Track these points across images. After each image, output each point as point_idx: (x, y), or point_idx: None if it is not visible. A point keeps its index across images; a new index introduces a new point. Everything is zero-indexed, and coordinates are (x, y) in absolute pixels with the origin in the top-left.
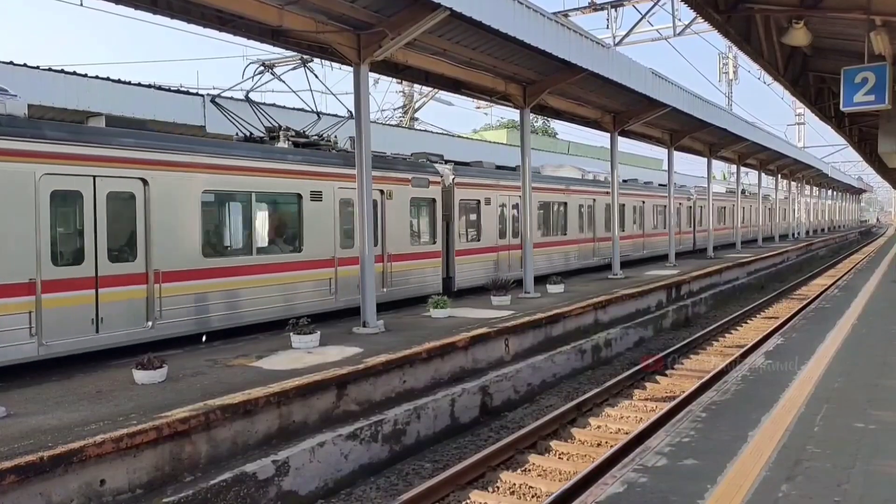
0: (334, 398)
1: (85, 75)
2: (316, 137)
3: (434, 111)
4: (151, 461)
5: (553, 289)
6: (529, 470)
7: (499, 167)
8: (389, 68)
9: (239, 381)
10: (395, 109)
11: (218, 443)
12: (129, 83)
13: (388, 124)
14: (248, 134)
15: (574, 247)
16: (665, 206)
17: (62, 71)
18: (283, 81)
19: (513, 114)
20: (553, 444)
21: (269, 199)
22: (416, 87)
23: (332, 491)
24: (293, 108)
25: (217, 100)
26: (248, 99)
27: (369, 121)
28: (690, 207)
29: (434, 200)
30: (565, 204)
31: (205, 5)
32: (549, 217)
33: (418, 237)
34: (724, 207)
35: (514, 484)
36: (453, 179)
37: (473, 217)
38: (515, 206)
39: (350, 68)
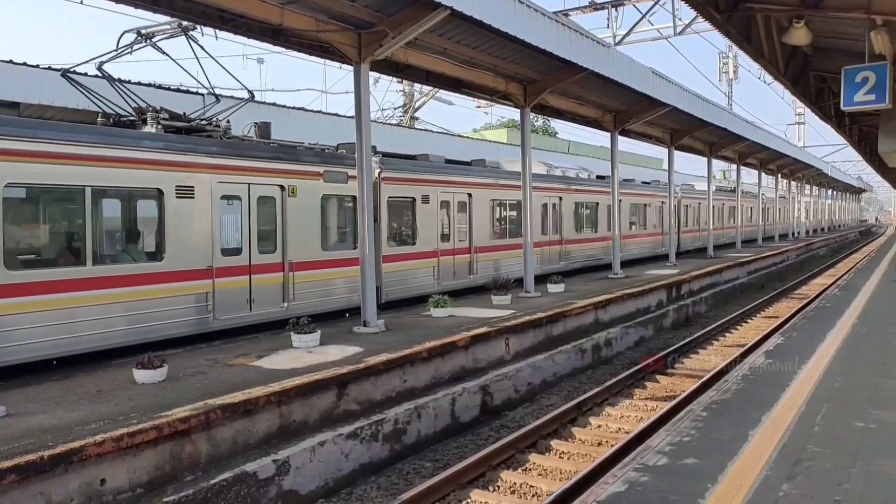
0: (335, 397)
1: (85, 74)
2: (203, 122)
3: (434, 111)
4: (152, 460)
5: (553, 288)
6: (530, 469)
7: (450, 161)
8: (390, 67)
9: (239, 380)
10: (395, 109)
11: (218, 442)
12: (130, 82)
13: (389, 123)
14: (113, 115)
15: (535, 250)
16: (646, 205)
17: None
18: (162, 51)
19: (513, 113)
20: (554, 443)
21: (114, 195)
22: (417, 86)
23: (333, 490)
24: (189, 91)
25: (70, 74)
26: (101, 72)
27: (370, 120)
28: (675, 207)
29: (354, 199)
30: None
31: (206, 4)
32: (506, 217)
33: (334, 241)
34: (715, 206)
35: (515, 483)
36: (379, 174)
37: (407, 217)
38: (464, 205)
39: (350, 67)
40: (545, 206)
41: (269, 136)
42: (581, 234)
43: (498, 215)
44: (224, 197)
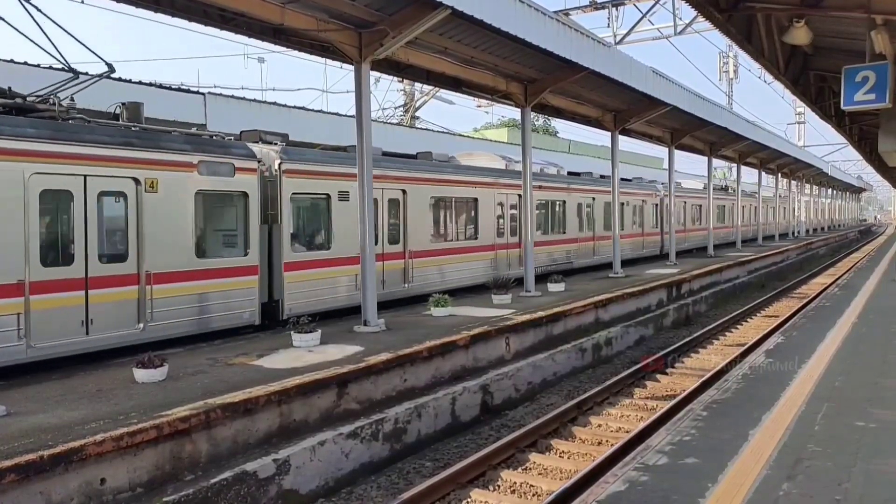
0: (335, 397)
1: (86, 73)
2: (32, 99)
3: (435, 110)
4: (152, 460)
5: (554, 287)
6: (530, 468)
7: (388, 153)
8: (391, 67)
9: (239, 379)
10: (395, 108)
11: (218, 441)
12: (130, 81)
13: (390, 123)
14: None
15: (484, 255)
16: (624, 204)
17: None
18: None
19: (514, 112)
20: (554, 442)
21: None
22: (417, 85)
23: (333, 490)
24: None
25: None
26: None
27: (370, 119)
28: (657, 206)
29: (245, 195)
30: (475, 200)
31: (207, 3)
32: (448, 218)
33: (213, 246)
34: (700, 206)
35: (515, 482)
36: (280, 165)
37: (320, 218)
38: (397, 202)
39: (351, 66)
40: (501, 204)
41: (140, 120)
42: (546, 237)
43: (442, 215)
44: (47, 192)
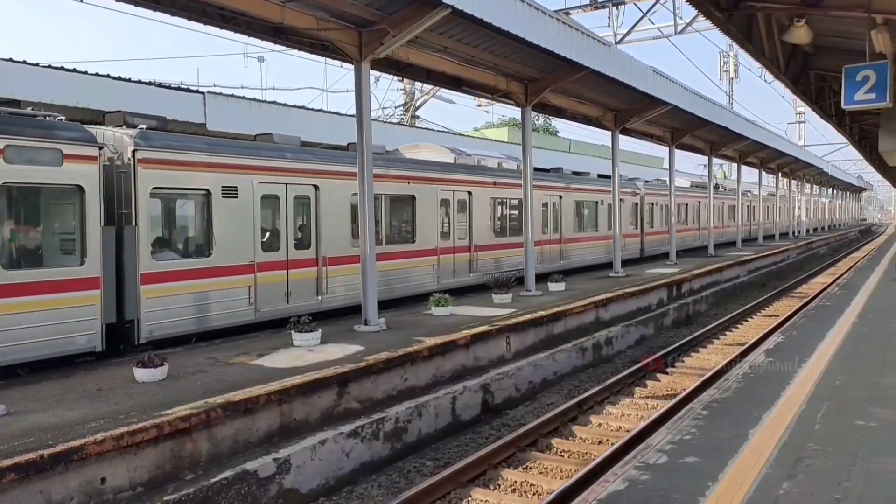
0: (335, 396)
1: (85, 72)
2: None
3: (435, 109)
4: (152, 459)
5: (554, 287)
6: (531, 468)
7: (308, 143)
8: (391, 66)
9: (240, 379)
10: (396, 107)
11: (219, 441)
12: (130, 80)
13: (390, 122)
14: None
15: (424, 260)
16: (599, 203)
17: (62, 68)
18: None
19: (514, 112)
20: (554, 441)
21: None
22: (418, 84)
23: (334, 489)
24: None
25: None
26: None
27: (370, 118)
28: (637, 204)
29: (80, 189)
30: (413, 198)
31: (207, 2)
32: (376, 218)
33: (29, 256)
34: (688, 205)
35: (516, 482)
36: (135, 152)
37: (195, 218)
38: (306, 200)
39: (351, 66)
40: (447, 202)
41: None
42: (500, 240)
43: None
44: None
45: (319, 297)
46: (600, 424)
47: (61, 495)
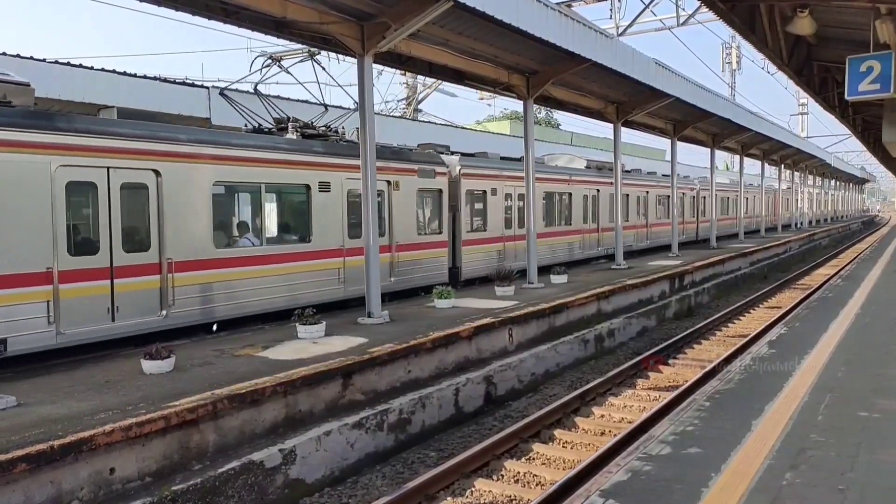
0: (340, 388)
1: (91, 68)
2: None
3: (438, 102)
4: (160, 450)
5: (556, 279)
6: (534, 459)
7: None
8: (393, 59)
9: (245, 370)
10: (398, 101)
11: (225, 432)
12: (135, 75)
13: (392, 116)
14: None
15: (323, 263)
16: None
17: (68, 63)
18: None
19: (516, 105)
20: (557, 433)
21: None
22: (420, 78)
23: (339, 479)
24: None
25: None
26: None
27: (373, 112)
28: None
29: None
30: (307, 187)
31: None
32: (254, 212)
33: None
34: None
35: (519, 472)
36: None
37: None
38: (142, 189)
39: (354, 59)
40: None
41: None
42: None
43: (238, 209)
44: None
45: (164, 312)
46: (603, 416)
47: (71, 485)
